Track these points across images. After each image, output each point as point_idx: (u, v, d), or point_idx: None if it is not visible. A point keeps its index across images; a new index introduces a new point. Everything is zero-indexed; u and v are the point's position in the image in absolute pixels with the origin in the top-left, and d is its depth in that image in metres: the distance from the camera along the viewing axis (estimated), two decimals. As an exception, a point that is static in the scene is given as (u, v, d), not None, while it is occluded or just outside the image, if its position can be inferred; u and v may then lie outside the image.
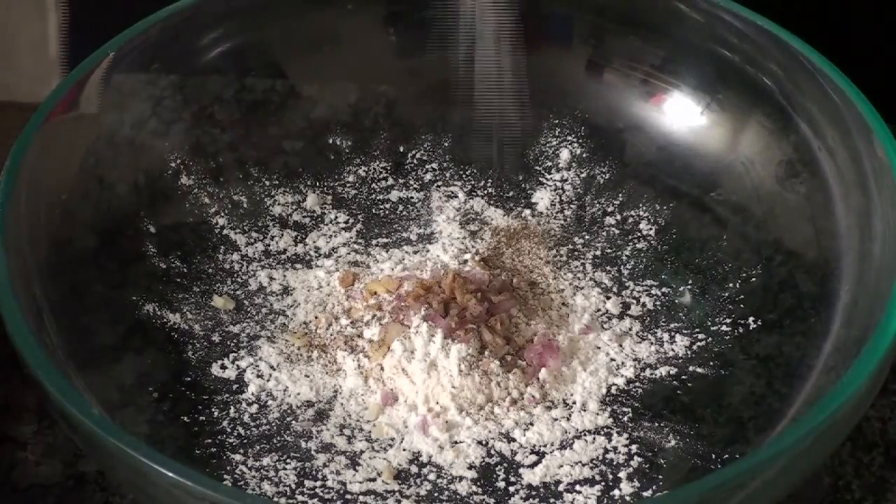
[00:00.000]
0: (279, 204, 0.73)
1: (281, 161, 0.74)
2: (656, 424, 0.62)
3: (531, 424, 0.62)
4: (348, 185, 0.75)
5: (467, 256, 0.70)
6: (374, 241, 0.72)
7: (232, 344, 0.66)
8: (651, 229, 0.72)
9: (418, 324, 0.64)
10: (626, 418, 0.62)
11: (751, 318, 0.66)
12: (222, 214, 0.72)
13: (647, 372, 0.65)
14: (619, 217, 0.73)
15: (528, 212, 0.74)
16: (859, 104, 0.63)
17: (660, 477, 0.59)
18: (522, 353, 0.65)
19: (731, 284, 0.67)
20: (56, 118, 0.64)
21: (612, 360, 0.65)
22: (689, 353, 0.65)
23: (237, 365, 0.65)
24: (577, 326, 0.67)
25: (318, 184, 0.74)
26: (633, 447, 0.61)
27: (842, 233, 0.64)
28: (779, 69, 0.69)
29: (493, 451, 0.61)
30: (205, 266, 0.69)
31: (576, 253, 0.71)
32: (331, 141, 0.76)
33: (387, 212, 0.74)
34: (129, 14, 0.68)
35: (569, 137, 0.75)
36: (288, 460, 0.60)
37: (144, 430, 0.60)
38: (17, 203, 0.60)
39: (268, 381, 0.64)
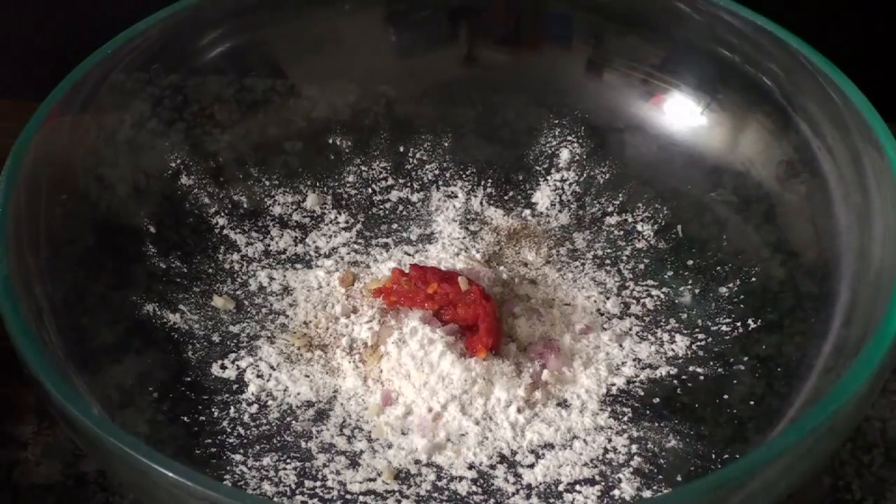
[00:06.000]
0: (279, 204, 0.73)
1: (281, 161, 0.74)
2: (656, 424, 0.62)
3: (531, 424, 0.62)
4: (348, 185, 0.75)
5: (467, 256, 0.70)
6: (374, 241, 0.72)
7: (232, 344, 0.66)
8: (651, 229, 0.72)
9: (416, 324, 0.64)
10: (626, 418, 0.62)
11: (751, 319, 0.66)
12: (222, 214, 0.72)
13: (647, 372, 0.65)
14: (619, 217, 0.73)
15: (528, 212, 0.73)
16: (859, 104, 0.63)
17: (660, 477, 0.59)
18: (523, 353, 0.65)
19: (731, 284, 0.67)
20: (56, 118, 0.64)
21: (612, 360, 0.65)
22: (689, 353, 0.65)
23: (237, 365, 0.65)
24: (577, 326, 0.67)
25: (318, 184, 0.74)
26: (633, 447, 0.61)
27: (842, 233, 0.63)
28: (779, 69, 0.68)
29: (493, 451, 0.61)
30: (205, 266, 0.69)
31: (576, 253, 0.71)
32: (331, 141, 0.75)
33: (387, 212, 0.74)
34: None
35: (569, 137, 0.75)
36: (288, 460, 0.60)
37: (144, 430, 0.60)
38: (17, 203, 0.60)
39: (268, 381, 0.64)
